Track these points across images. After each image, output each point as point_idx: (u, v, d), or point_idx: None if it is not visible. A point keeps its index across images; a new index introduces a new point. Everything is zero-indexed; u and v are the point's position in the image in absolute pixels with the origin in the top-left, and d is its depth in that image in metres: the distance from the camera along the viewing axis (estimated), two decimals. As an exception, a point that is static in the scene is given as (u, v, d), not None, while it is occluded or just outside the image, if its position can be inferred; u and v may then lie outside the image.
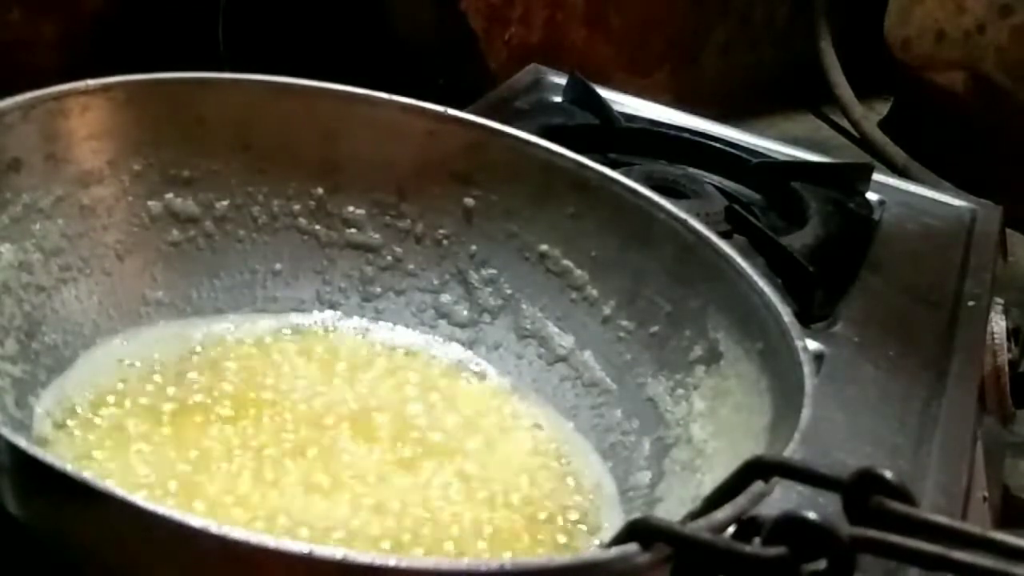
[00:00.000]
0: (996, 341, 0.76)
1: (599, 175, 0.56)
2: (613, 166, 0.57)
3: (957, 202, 0.90)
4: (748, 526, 0.35)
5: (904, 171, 1.25)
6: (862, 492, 0.33)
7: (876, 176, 0.88)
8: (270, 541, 0.32)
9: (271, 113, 0.56)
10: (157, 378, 0.51)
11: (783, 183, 0.82)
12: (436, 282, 0.58)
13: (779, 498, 0.38)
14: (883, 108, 1.41)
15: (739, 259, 0.51)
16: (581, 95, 0.91)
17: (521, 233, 0.57)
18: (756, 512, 0.36)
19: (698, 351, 0.51)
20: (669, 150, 0.85)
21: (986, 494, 0.73)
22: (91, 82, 0.51)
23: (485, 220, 0.58)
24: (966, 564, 0.31)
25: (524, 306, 0.57)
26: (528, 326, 0.57)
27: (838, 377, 0.65)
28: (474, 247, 0.58)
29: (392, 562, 0.32)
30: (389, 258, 0.58)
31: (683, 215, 0.54)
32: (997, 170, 1.21)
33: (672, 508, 0.46)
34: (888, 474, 0.33)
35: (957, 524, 0.32)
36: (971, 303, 0.76)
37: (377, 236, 0.58)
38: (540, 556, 0.45)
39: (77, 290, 0.51)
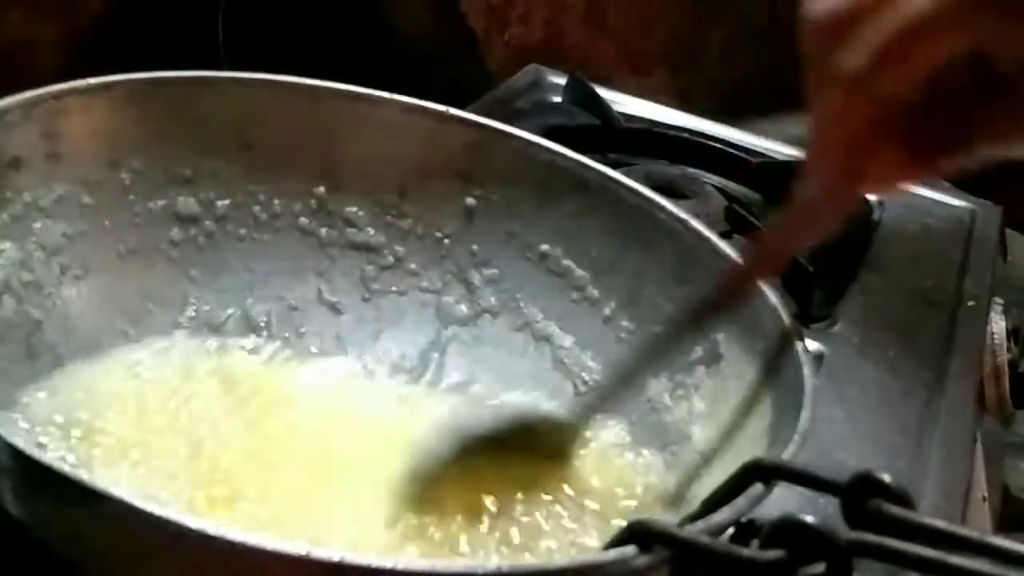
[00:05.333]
0: (996, 341, 0.76)
1: (600, 175, 0.56)
2: (613, 166, 0.57)
3: (957, 202, 0.90)
4: (746, 529, 0.35)
5: (904, 171, 1.24)
6: (860, 496, 0.33)
7: (876, 176, 0.88)
8: (268, 542, 0.32)
9: (272, 112, 0.56)
10: (159, 375, 0.51)
11: (783, 183, 0.82)
12: (437, 282, 0.58)
13: (779, 498, 0.38)
14: (883, 108, 1.40)
15: (739, 259, 0.51)
16: (581, 95, 0.91)
17: (522, 233, 0.57)
18: (755, 514, 0.36)
19: (698, 352, 0.51)
20: (669, 150, 0.85)
21: (986, 494, 0.73)
22: (92, 81, 0.51)
23: (486, 220, 0.58)
24: (964, 569, 0.31)
25: (525, 306, 0.57)
26: (529, 326, 0.57)
27: (838, 377, 0.65)
28: (475, 247, 0.58)
29: (390, 564, 0.32)
30: (390, 258, 0.58)
31: (683, 215, 0.54)
32: (997, 170, 1.20)
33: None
34: (886, 478, 0.33)
35: (955, 528, 0.32)
36: (971, 303, 0.76)
37: (378, 236, 0.58)
38: (539, 559, 0.45)
39: (78, 289, 0.51)
